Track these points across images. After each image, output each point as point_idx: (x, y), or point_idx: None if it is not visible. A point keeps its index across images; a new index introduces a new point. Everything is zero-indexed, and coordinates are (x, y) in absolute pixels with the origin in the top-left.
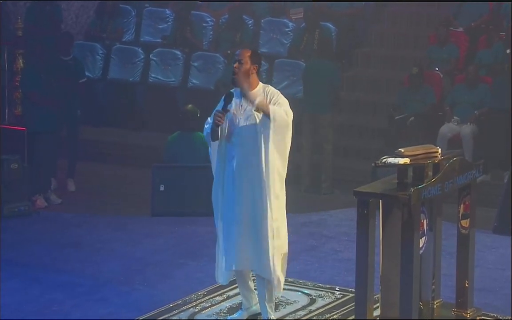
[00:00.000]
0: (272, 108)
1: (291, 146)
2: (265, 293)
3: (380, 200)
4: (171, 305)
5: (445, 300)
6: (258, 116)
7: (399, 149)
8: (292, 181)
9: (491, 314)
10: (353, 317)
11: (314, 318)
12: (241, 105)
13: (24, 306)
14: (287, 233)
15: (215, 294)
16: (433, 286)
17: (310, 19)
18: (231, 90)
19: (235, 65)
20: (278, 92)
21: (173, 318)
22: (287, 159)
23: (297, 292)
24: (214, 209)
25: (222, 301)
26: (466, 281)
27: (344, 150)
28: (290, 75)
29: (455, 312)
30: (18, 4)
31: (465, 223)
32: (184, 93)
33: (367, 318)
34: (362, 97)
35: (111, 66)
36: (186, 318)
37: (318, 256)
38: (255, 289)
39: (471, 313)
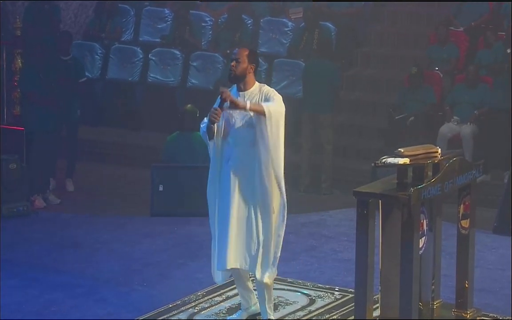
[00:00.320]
0: (265, 106)
1: (290, 146)
2: (265, 293)
3: (380, 200)
4: (170, 306)
5: (445, 300)
6: (254, 116)
7: (399, 149)
8: (291, 181)
9: (491, 315)
10: (352, 317)
11: (313, 318)
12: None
13: (23, 306)
14: (282, 234)
15: (214, 294)
16: (433, 287)
17: (309, 19)
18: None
19: (232, 63)
20: (273, 90)
21: (172, 319)
22: (283, 157)
23: (297, 293)
24: (209, 208)
25: (221, 301)
26: (466, 282)
27: (344, 150)
28: (289, 75)
29: (455, 313)
30: (16, 4)
31: (465, 223)
32: (183, 93)
33: (367, 319)
34: (362, 97)
35: (110, 66)
36: (185, 319)
37: (317, 257)
38: (254, 289)
39: (471, 314)
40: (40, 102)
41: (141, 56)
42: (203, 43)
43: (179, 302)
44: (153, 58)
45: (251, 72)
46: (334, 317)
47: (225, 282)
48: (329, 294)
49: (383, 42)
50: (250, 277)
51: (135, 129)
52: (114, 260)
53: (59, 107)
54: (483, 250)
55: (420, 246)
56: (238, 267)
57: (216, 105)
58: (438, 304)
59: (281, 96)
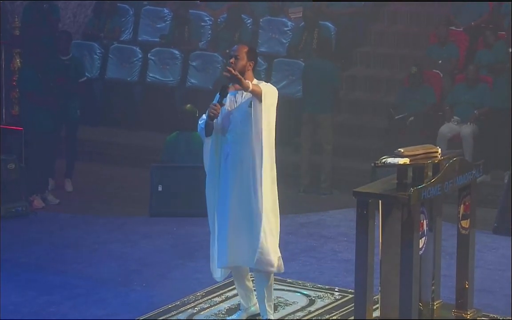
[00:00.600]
0: (263, 86)
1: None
2: (264, 292)
3: (380, 201)
4: (169, 306)
5: (445, 301)
6: (252, 111)
7: (399, 149)
8: (291, 181)
9: (491, 315)
10: (352, 318)
11: (313, 319)
12: (236, 101)
13: (22, 307)
14: (279, 227)
15: (214, 295)
16: (433, 287)
17: (309, 18)
18: (226, 84)
19: (231, 60)
20: (271, 85)
21: (171, 319)
22: (273, 154)
23: (296, 293)
24: (207, 206)
25: (220, 302)
26: (466, 282)
27: (344, 150)
28: (289, 75)
29: (455, 313)
30: (15, 3)
31: (465, 223)
32: (183, 92)
33: (367, 319)
34: (362, 97)
35: (109, 66)
36: (185, 319)
37: (317, 257)
38: (253, 289)
39: (471, 314)
40: (38, 102)
41: (140, 55)
42: (202, 43)
43: (178, 302)
44: (152, 57)
45: (250, 69)
46: (334, 317)
47: (224, 281)
48: (328, 294)
49: (383, 42)
50: (250, 278)
51: (134, 129)
52: (113, 260)
53: (58, 107)
54: (483, 250)
55: (420, 246)
56: (240, 265)
57: (215, 101)
58: (438, 305)
59: (276, 90)
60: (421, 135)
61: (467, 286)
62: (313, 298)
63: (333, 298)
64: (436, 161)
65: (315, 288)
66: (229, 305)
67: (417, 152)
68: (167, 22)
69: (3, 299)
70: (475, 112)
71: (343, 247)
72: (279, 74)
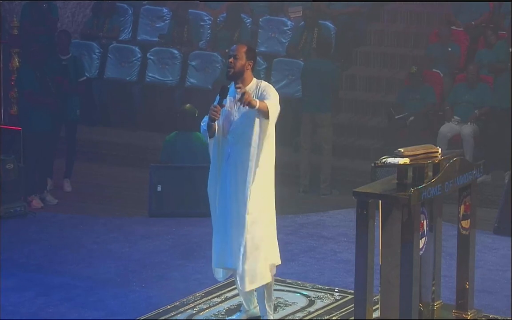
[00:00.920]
0: (268, 104)
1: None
2: (264, 292)
3: (380, 201)
4: (168, 307)
5: (445, 301)
6: (255, 114)
7: (399, 149)
8: (290, 181)
9: (491, 316)
10: (352, 318)
11: (313, 319)
12: (236, 102)
13: (20, 307)
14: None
15: (213, 295)
16: (433, 288)
17: (308, 18)
18: (226, 85)
19: (230, 60)
20: (270, 85)
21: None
22: (273, 160)
23: (296, 294)
24: (210, 205)
25: (220, 302)
26: (467, 283)
27: (343, 150)
28: (288, 74)
29: (456, 314)
30: (13, 3)
31: (465, 223)
32: (182, 92)
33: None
34: (362, 96)
35: (108, 65)
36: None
37: (317, 257)
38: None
39: (471, 315)
40: (37, 101)
41: (139, 55)
42: (201, 42)
43: (177, 303)
44: (152, 57)
45: (249, 68)
46: (334, 318)
47: (224, 282)
48: (328, 295)
49: (383, 41)
50: None
51: (133, 129)
52: (112, 261)
53: (56, 106)
54: (483, 250)
55: (420, 246)
56: (232, 267)
57: (215, 103)
58: (438, 305)
59: (277, 93)
60: (421, 135)
61: (467, 287)
62: (312, 299)
63: (333, 298)
64: (436, 161)
65: (315, 288)
66: (228, 305)
67: (417, 152)
68: (166, 21)
69: (1, 299)
70: (476, 112)
71: (343, 247)
72: (279, 74)
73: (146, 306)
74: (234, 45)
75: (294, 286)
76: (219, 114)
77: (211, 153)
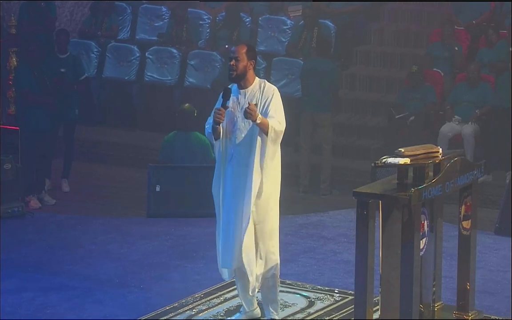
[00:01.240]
0: (271, 124)
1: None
2: (268, 293)
3: (380, 201)
4: (167, 308)
5: (446, 302)
6: (257, 137)
7: (399, 149)
8: (290, 181)
9: (492, 317)
10: (352, 319)
11: None
12: (238, 103)
13: (18, 308)
14: (278, 240)
15: (212, 296)
16: (434, 288)
17: (308, 17)
18: (228, 86)
19: (231, 62)
20: (275, 89)
21: None
22: (279, 160)
23: (296, 295)
24: (215, 205)
25: (219, 303)
26: (468, 283)
27: (343, 150)
28: (288, 74)
29: (456, 315)
30: (11, 2)
31: (466, 224)
32: (181, 92)
33: None
34: (361, 96)
35: (106, 65)
36: None
37: (316, 258)
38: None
39: (472, 316)
40: (34, 101)
41: (137, 54)
42: (200, 42)
43: (176, 304)
44: (150, 56)
45: (251, 68)
46: (334, 319)
47: (224, 282)
48: (328, 296)
49: (383, 40)
50: None
51: (131, 129)
52: (110, 261)
53: (55, 106)
54: (484, 251)
55: (421, 247)
56: (236, 266)
57: (218, 105)
58: (439, 306)
59: (281, 101)
60: (422, 135)
61: (468, 288)
62: (312, 300)
63: (333, 299)
64: (437, 161)
65: (315, 289)
66: (227, 306)
67: (417, 152)
68: (165, 20)
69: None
70: (477, 111)
71: (343, 248)
72: (278, 73)
73: (144, 307)
74: (233, 47)
75: (293, 287)
76: (224, 117)
77: (216, 154)
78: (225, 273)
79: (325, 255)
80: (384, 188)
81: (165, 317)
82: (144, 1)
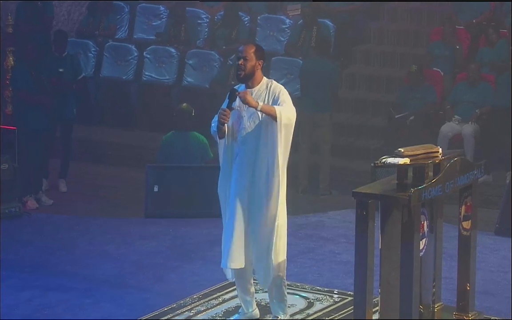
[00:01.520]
0: (277, 109)
1: None
2: (274, 291)
3: (379, 201)
4: (165, 309)
5: (446, 303)
6: (262, 114)
7: (399, 149)
8: (289, 181)
9: (492, 318)
10: None
11: None
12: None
13: (15, 309)
14: (286, 238)
15: (211, 297)
16: (434, 289)
17: (307, 16)
18: (234, 87)
19: (240, 62)
20: (281, 87)
21: None
22: (287, 159)
23: (295, 296)
24: (221, 205)
25: (218, 304)
26: (468, 284)
27: (343, 150)
28: (287, 73)
29: (456, 316)
30: (8, 1)
31: (466, 224)
32: (179, 91)
33: None
34: (361, 96)
35: (104, 64)
36: None
37: (316, 259)
38: (262, 290)
39: (472, 317)
40: (31, 100)
41: (135, 54)
42: (199, 41)
43: (174, 305)
44: (148, 56)
45: (259, 68)
46: None
47: (223, 283)
48: (327, 297)
49: (383, 40)
50: (252, 282)
51: (129, 129)
52: (108, 262)
53: (52, 105)
54: (484, 252)
55: (421, 248)
56: (239, 267)
57: (224, 106)
58: (439, 307)
59: (289, 96)
60: (422, 135)
61: (468, 288)
62: (311, 301)
63: (332, 300)
64: (437, 161)
65: (314, 290)
66: (226, 307)
67: (417, 152)
68: (163, 19)
69: None
70: (477, 111)
71: (342, 248)
72: (277, 73)
73: (142, 308)
74: (241, 46)
75: (292, 287)
76: (229, 118)
77: (220, 153)
78: (229, 273)
79: (324, 255)
80: (384, 188)
81: (163, 318)
82: (142, 0)
